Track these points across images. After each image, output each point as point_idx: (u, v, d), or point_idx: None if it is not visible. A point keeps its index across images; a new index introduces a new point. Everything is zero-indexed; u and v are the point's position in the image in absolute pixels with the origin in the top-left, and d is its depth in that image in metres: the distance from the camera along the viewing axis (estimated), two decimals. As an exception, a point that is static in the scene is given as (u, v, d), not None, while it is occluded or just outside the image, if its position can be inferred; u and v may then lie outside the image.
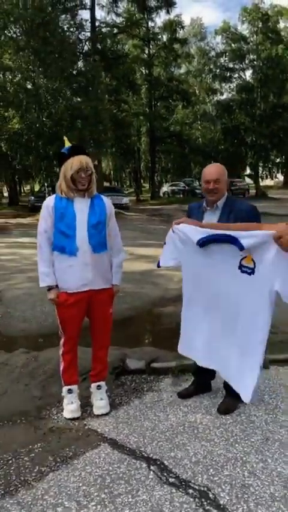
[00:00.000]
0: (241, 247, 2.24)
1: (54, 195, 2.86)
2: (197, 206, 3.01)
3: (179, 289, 2.90)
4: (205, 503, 2.10)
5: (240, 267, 2.31)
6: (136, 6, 29.93)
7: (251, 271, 2.26)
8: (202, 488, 2.20)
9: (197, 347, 2.74)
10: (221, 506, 2.07)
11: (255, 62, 35.06)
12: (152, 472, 2.33)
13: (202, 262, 2.55)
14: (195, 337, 2.75)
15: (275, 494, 2.14)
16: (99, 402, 2.96)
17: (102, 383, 3.02)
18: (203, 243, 2.47)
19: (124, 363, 3.62)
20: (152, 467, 2.37)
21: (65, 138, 2.96)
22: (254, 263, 2.24)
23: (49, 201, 2.83)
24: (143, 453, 2.50)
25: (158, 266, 2.86)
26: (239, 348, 2.45)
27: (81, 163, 2.73)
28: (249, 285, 2.28)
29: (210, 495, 2.15)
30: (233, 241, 2.28)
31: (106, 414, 2.92)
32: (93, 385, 3.01)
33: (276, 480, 2.25)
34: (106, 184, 38.30)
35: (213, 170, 2.81)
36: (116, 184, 49.26)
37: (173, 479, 2.28)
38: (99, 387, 3.00)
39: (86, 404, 3.04)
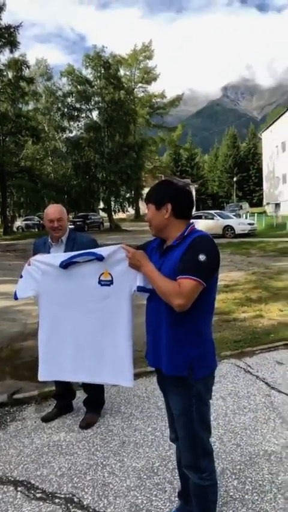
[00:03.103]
0: (101, 257, 2.61)
1: None
2: (42, 242, 3.29)
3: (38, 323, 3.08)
4: (71, 507, 2.33)
5: (100, 282, 2.69)
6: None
7: (110, 282, 2.66)
8: (68, 496, 2.43)
9: (63, 366, 2.89)
10: (85, 506, 2.33)
11: (100, 104, 37.32)
12: (19, 493, 2.47)
13: (65, 285, 2.82)
14: (59, 358, 2.90)
15: (130, 486, 2.49)
16: None
17: None
18: (66, 264, 2.77)
19: (-15, 398, 3.63)
20: (19, 488, 2.51)
21: None
22: (111, 276, 2.65)
23: None
24: (10, 478, 2.61)
25: (16, 298, 2.97)
26: (111, 346, 2.72)
27: None
28: (111, 293, 2.67)
29: (75, 499, 2.39)
30: (93, 254, 2.66)
31: None
32: None
33: (132, 474, 2.60)
34: None
35: (55, 210, 3.16)
36: None
37: (40, 494, 2.45)
38: None
39: None
